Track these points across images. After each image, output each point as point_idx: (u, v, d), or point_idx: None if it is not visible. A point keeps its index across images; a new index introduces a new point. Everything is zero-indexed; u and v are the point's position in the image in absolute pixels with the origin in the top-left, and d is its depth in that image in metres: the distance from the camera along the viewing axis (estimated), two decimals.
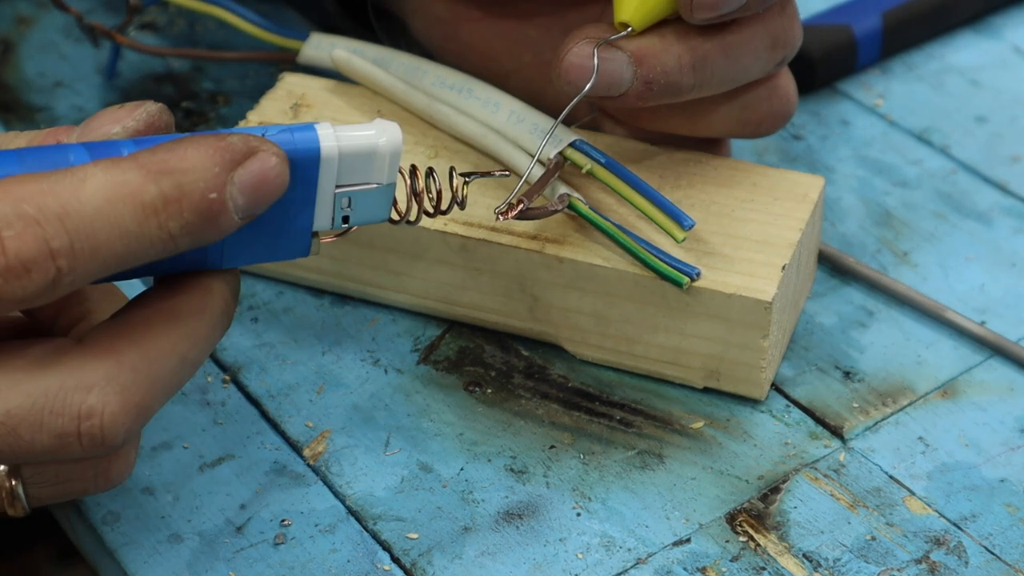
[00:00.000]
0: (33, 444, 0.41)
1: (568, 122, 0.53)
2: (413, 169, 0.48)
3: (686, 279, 0.51)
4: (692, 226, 0.51)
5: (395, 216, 0.47)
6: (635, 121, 0.55)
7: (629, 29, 0.50)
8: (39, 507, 0.44)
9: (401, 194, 0.47)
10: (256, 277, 0.59)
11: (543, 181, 0.52)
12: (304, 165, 0.43)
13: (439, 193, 0.48)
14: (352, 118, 0.59)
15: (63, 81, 0.70)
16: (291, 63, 0.62)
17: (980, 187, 0.63)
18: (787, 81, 0.55)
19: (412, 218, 0.48)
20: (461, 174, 0.49)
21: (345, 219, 0.45)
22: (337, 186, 0.44)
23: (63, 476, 0.43)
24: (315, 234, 0.45)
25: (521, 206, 0.51)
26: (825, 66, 0.68)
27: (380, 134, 0.44)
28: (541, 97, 0.55)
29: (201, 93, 0.69)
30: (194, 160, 0.40)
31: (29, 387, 0.41)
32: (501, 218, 0.51)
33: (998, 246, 0.60)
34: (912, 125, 0.66)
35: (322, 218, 0.45)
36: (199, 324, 0.43)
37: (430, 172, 0.48)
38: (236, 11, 0.63)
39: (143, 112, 0.44)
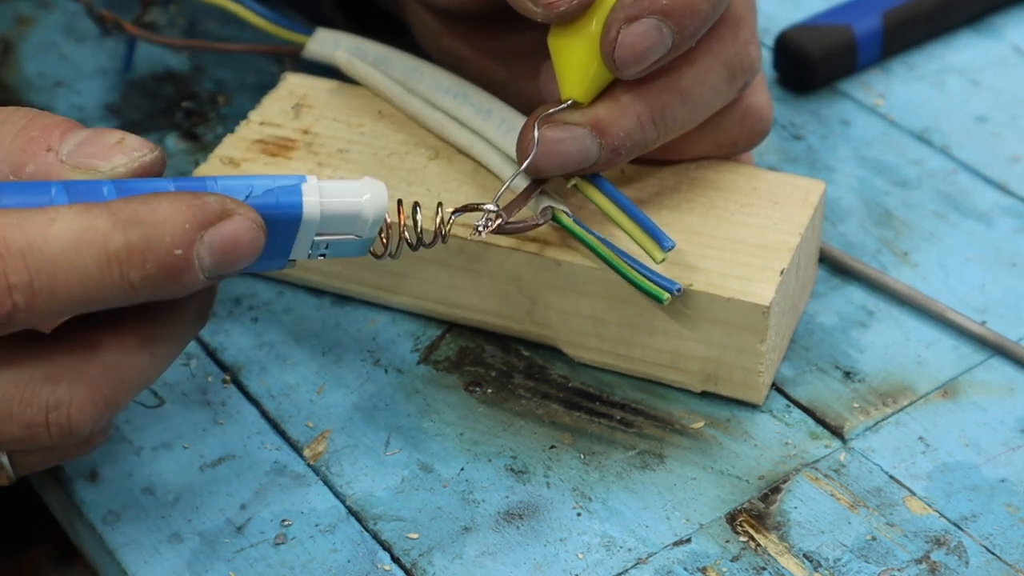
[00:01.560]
0: (2, 433, 0.42)
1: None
2: (399, 204, 0.48)
3: (666, 295, 0.50)
4: (672, 247, 0.50)
5: (377, 251, 0.48)
6: None
7: (571, 102, 0.50)
8: (26, 474, 0.45)
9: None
10: (256, 277, 0.59)
11: (525, 195, 0.52)
12: (285, 221, 0.44)
13: (421, 230, 0.49)
14: (352, 118, 0.59)
15: (63, 81, 0.70)
16: (296, 57, 0.62)
17: (980, 187, 0.63)
18: (759, 99, 0.54)
19: (393, 251, 0.48)
20: (451, 211, 0.49)
21: (323, 255, 0.46)
22: (318, 234, 0.45)
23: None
24: (292, 260, 0.46)
25: (500, 220, 0.50)
26: (825, 66, 0.68)
27: (364, 192, 0.45)
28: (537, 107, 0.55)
29: (201, 93, 0.69)
30: (165, 214, 0.41)
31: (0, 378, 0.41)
32: (481, 233, 0.50)
33: (998, 246, 0.60)
34: (912, 125, 0.66)
35: (300, 253, 0.45)
36: (171, 323, 0.44)
37: (415, 207, 0.49)
38: (243, 3, 0.63)
39: (137, 160, 0.44)
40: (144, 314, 0.43)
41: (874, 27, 0.68)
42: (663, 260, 0.50)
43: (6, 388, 0.41)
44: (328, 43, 0.60)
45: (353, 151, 0.57)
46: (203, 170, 0.57)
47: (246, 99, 0.67)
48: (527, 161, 0.50)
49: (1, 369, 0.42)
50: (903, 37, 0.70)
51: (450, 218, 0.49)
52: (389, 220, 0.47)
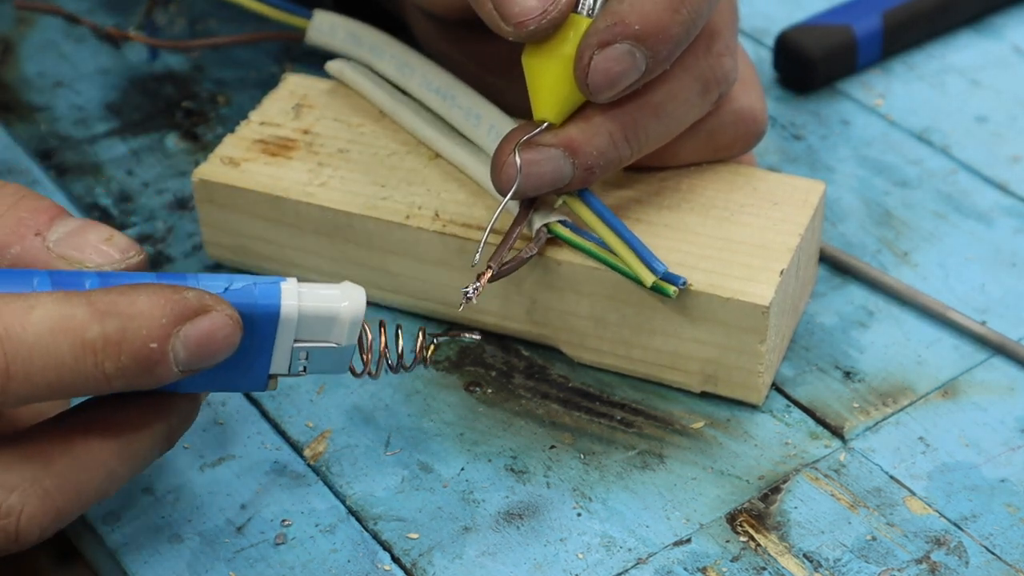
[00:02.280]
0: None
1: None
2: (380, 326, 0.48)
3: (673, 289, 0.50)
4: (664, 271, 0.50)
5: (358, 368, 0.48)
6: None
7: (546, 124, 0.50)
8: None
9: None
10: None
11: (512, 232, 0.51)
12: (263, 320, 0.44)
13: (402, 352, 0.49)
14: (353, 118, 0.59)
15: (63, 81, 0.70)
16: (300, 44, 0.62)
17: (980, 187, 0.63)
18: (750, 101, 0.54)
19: (374, 371, 0.48)
20: (432, 334, 0.50)
21: (304, 367, 0.46)
22: (296, 340, 0.45)
23: None
24: (272, 375, 0.46)
25: (490, 272, 0.49)
26: (825, 66, 0.68)
27: (343, 298, 0.45)
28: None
29: (201, 93, 0.69)
30: (143, 307, 0.41)
31: None
32: (473, 299, 0.48)
33: (998, 246, 0.60)
34: (912, 125, 0.66)
35: (279, 364, 0.45)
36: (136, 443, 0.44)
37: (397, 331, 0.49)
38: None
39: (123, 263, 0.45)
40: (110, 429, 0.44)
41: (874, 27, 0.68)
42: (654, 284, 0.50)
43: None
44: (325, 28, 0.60)
45: (353, 151, 0.57)
46: (204, 170, 0.57)
47: (246, 99, 0.67)
48: (512, 189, 0.49)
49: None
50: (903, 37, 0.70)
51: (431, 343, 0.49)
52: (370, 339, 0.47)
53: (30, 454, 0.42)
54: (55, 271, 0.43)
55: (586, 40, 0.48)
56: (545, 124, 0.50)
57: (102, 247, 0.45)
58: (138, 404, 0.44)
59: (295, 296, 0.44)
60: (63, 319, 0.40)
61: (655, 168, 0.55)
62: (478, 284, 0.49)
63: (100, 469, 0.43)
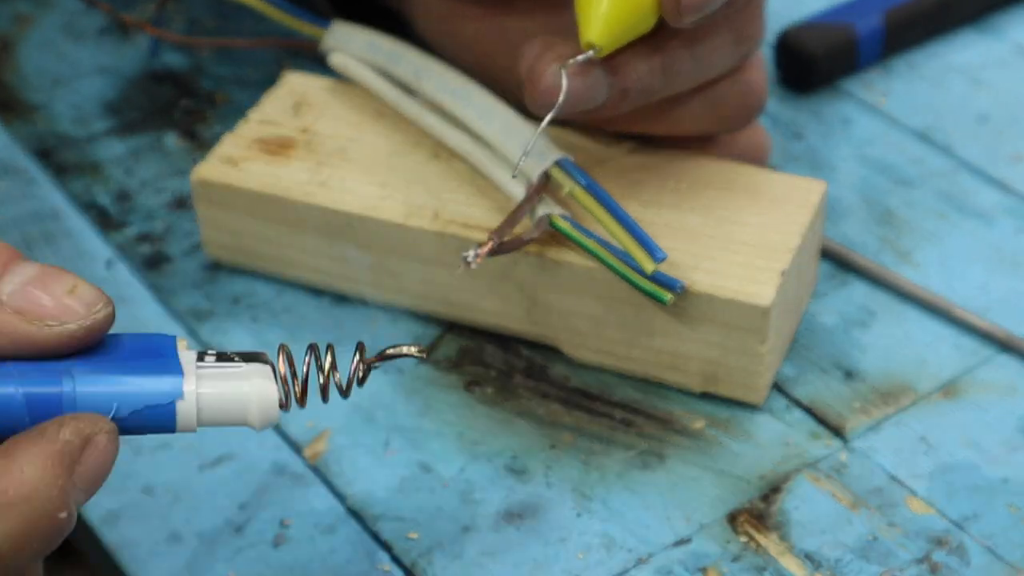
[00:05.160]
0: None
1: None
2: (288, 356, 0.41)
3: (668, 295, 0.50)
4: (664, 259, 0.50)
5: (281, 402, 0.41)
6: (607, 125, 0.55)
7: (592, 52, 0.49)
8: None
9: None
10: (256, 277, 0.59)
11: (519, 210, 0.51)
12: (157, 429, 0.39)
13: (334, 377, 0.42)
14: (352, 117, 0.59)
15: (62, 80, 0.70)
16: (313, 51, 0.61)
17: (982, 186, 0.63)
18: (756, 74, 0.55)
19: (298, 399, 0.42)
20: (366, 361, 0.43)
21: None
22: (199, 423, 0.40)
23: None
24: None
25: (491, 244, 0.50)
26: (827, 65, 0.68)
27: (250, 400, 0.40)
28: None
29: (200, 92, 0.69)
30: (34, 480, 0.36)
31: None
32: (471, 263, 0.49)
33: (1000, 245, 0.60)
34: (914, 124, 0.66)
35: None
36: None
37: (329, 349, 0.43)
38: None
39: (87, 320, 0.38)
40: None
41: (875, 26, 0.68)
42: (654, 271, 0.50)
43: None
44: (342, 37, 0.60)
45: (353, 150, 0.57)
46: (202, 169, 0.57)
47: (245, 98, 0.67)
48: (556, 107, 0.49)
49: None
50: (904, 36, 0.70)
51: (366, 369, 0.43)
52: (292, 373, 0.41)
53: None
54: None
55: None
56: (591, 52, 0.49)
57: (65, 300, 0.38)
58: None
59: (193, 416, 0.39)
60: None
61: (660, 138, 0.55)
62: (478, 251, 0.49)
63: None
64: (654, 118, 0.54)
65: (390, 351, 0.43)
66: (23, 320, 0.38)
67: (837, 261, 0.59)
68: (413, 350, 0.43)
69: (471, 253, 0.49)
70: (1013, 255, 0.59)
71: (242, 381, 0.40)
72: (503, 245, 0.50)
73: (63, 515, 0.37)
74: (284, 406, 0.41)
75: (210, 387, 0.39)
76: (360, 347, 0.43)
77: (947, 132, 0.66)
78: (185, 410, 0.39)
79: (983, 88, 0.68)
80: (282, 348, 0.41)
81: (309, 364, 0.42)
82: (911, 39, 0.70)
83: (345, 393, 0.43)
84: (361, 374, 0.43)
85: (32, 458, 0.37)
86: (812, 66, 0.67)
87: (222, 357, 0.40)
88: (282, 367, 0.41)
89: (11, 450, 0.37)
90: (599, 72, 0.50)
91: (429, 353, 0.55)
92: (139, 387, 0.39)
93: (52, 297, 0.38)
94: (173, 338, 0.40)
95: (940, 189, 0.63)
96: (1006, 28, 0.72)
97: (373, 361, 0.43)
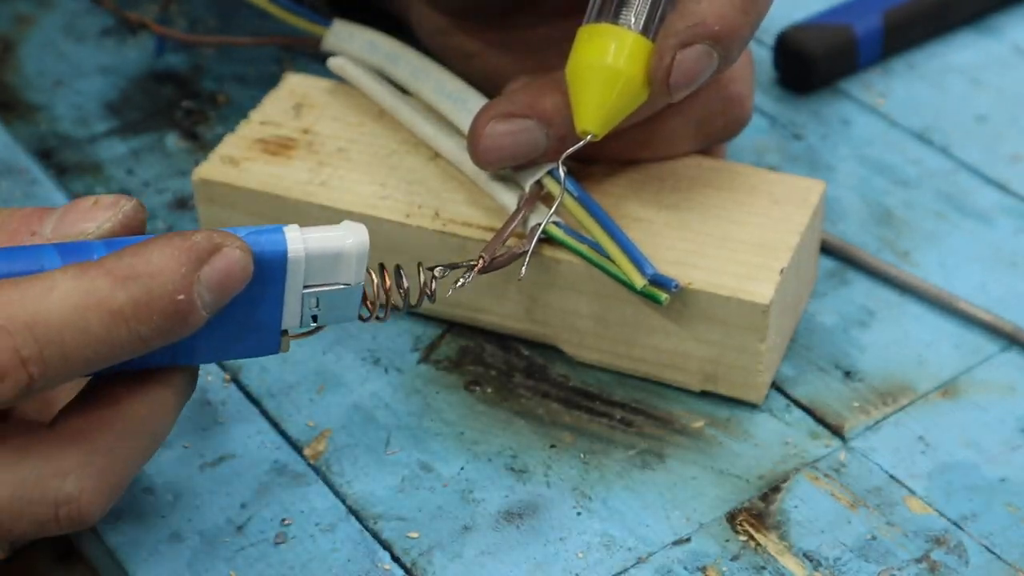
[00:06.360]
0: (13, 531, 0.42)
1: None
2: (381, 268, 0.48)
3: (664, 296, 0.50)
4: (653, 274, 0.50)
5: (364, 314, 0.47)
6: (597, 154, 0.55)
7: (590, 136, 0.50)
8: (19, 546, 0.46)
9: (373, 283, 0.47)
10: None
11: (508, 225, 0.51)
12: (271, 266, 0.44)
13: (407, 290, 0.48)
14: (353, 118, 0.59)
15: (63, 80, 0.70)
16: (315, 49, 0.62)
17: (981, 187, 0.63)
18: (739, 88, 0.55)
19: (382, 315, 0.48)
20: (429, 268, 0.49)
21: (314, 317, 0.45)
22: (305, 286, 0.45)
23: None
24: (284, 332, 0.46)
25: (482, 262, 0.50)
26: (826, 65, 0.68)
27: (347, 236, 0.44)
28: None
29: (201, 93, 0.69)
30: (160, 262, 0.41)
31: (6, 477, 0.42)
32: (467, 284, 0.50)
33: (999, 246, 0.60)
34: (913, 124, 0.66)
35: (291, 317, 0.45)
36: (166, 397, 0.45)
37: (398, 269, 0.48)
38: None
39: (119, 212, 0.45)
40: (136, 394, 0.44)
41: (874, 26, 0.68)
42: (643, 287, 0.50)
43: (14, 488, 0.42)
44: (344, 36, 0.60)
45: (353, 151, 0.57)
46: (204, 169, 0.57)
47: (246, 98, 0.67)
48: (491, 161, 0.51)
49: (6, 469, 0.42)
50: (904, 36, 0.70)
51: (432, 280, 0.49)
52: (375, 282, 0.47)
53: (73, 437, 0.43)
54: (59, 244, 0.43)
55: (666, 40, 0.49)
56: (588, 137, 0.50)
57: (92, 212, 0.45)
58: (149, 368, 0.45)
59: (300, 240, 0.44)
60: (86, 294, 0.40)
61: (653, 161, 0.55)
62: (468, 276, 0.50)
63: (140, 434, 0.44)
64: (640, 146, 0.54)
65: (452, 263, 0.49)
66: (68, 238, 0.44)
67: (837, 256, 0.59)
68: (464, 262, 0.50)
69: (461, 281, 0.49)
70: (1012, 255, 0.59)
71: (337, 227, 0.45)
72: (495, 261, 0.51)
73: (181, 297, 0.41)
74: (365, 318, 0.47)
75: (310, 229, 0.44)
76: (420, 265, 0.49)
77: (946, 132, 0.66)
78: (293, 235, 0.43)
79: (982, 88, 0.68)
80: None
81: (390, 280, 0.48)
82: (910, 39, 0.70)
83: (417, 306, 0.48)
84: (431, 290, 0.48)
85: (161, 247, 0.41)
86: (811, 66, 0.67)
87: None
88: (375, 279, 0.47)
89: (147, 243, 0.42)
90: (532, 124, 0.51)
91: (429, 353, 0.55)
92: (251, 229, 0.44)
93: (81, 214, 0.44)
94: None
95: (939, 189, 0.63)
96: (1005, 28, 0.72)
97: (435, 268, 0.49)
